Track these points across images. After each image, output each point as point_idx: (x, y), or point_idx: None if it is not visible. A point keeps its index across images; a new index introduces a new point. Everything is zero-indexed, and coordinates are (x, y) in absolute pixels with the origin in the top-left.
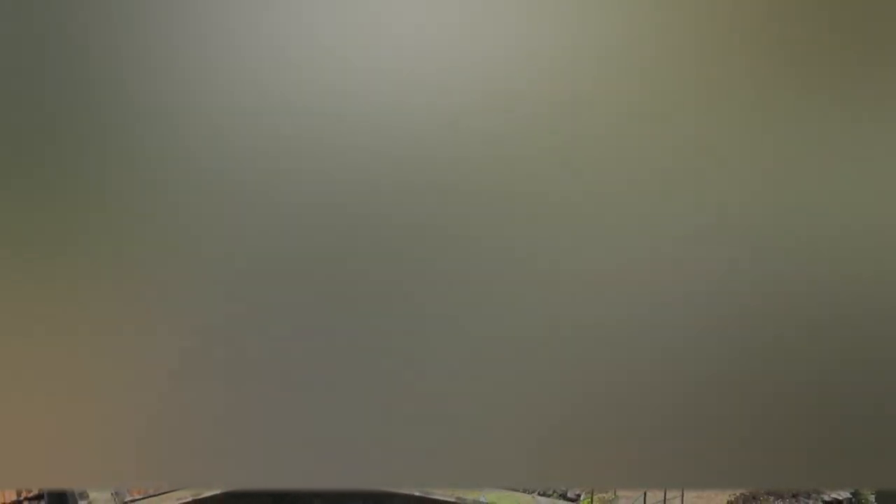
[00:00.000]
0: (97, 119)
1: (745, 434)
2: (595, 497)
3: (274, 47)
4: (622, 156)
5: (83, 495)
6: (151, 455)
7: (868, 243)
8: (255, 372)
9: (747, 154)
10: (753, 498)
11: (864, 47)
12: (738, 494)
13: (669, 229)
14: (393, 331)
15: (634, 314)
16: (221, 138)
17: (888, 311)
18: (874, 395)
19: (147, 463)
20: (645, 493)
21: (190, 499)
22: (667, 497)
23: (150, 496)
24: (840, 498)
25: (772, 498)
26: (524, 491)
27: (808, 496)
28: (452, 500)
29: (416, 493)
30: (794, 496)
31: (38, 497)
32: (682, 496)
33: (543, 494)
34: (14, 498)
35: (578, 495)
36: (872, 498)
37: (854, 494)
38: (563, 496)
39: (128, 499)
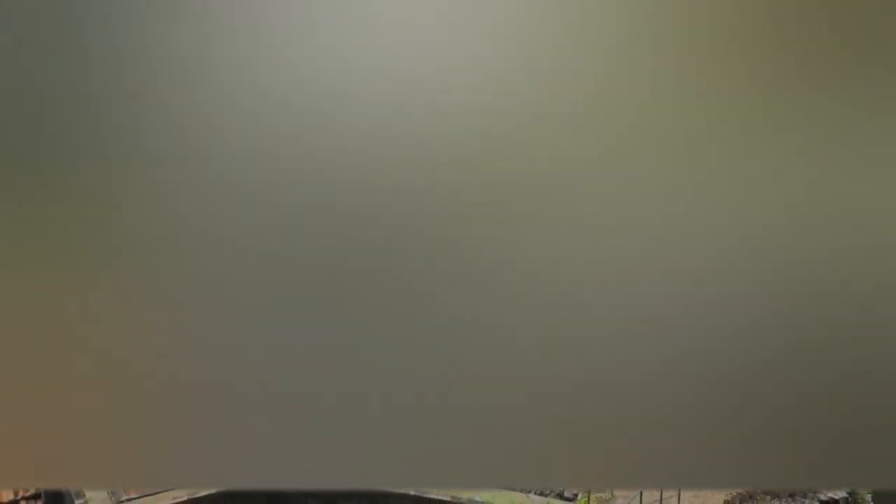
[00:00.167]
0: (97, 118)
1: (741, 434)
2: (592, 496)
3: (274, 47)
4: (622, 156)
5: (79, 494)
6: (148, 455)
7: (867, 244)
8: (252, 372)
9: (748, 154)
10: (750, 497)
11: (865, 47)
12: (734, 494)
13: (669, 229)
14: (391, 330)
15: (631, 315)
16: (221, 138)
17: (886, 311)
18: (871, 395)
19: (143, 463)
20: (641, 493)
21: (185, 498)
22: (663, 496)
23: (146, 495)
24: (836, 497)
25: (768, 497)
26: (522, 491)
27: (805, 496)
28: (447, 498)
29: (412, 492)
30: (790, 496)
31: (36, 496)
32: (679, 495)
33: (541, 494)
34: (11, 497)
35: (575, 495)
36: (869, 498)
37: (850, 494)
38: (560, 496)
39: (124, 498)
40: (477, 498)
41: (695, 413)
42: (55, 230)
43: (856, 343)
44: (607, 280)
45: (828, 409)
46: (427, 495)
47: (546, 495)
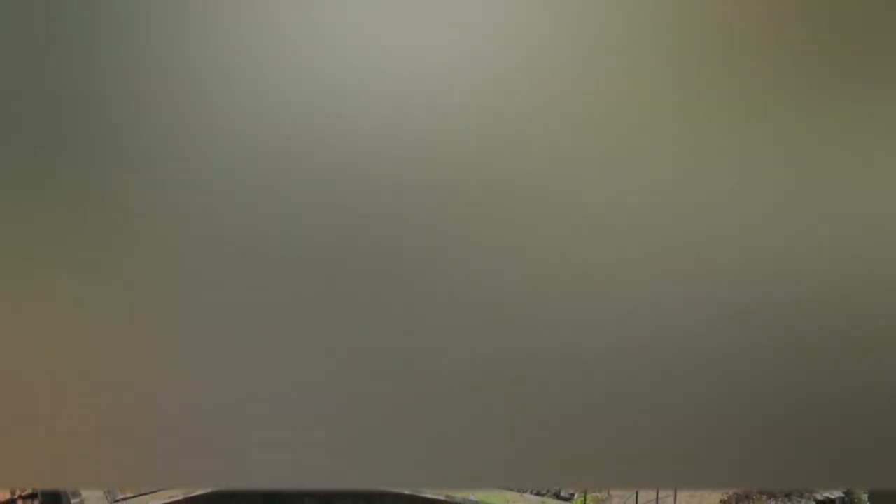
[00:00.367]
0: (97, 117)
1: (737, 434)
2: (588, 496)
3: (274, 47)
4: (622, 156)
5: (75, 493)
6: (144, 455)
7: (864, 244)
8: (249, 372)
9: (747, 154)
10: (746, 497)
11: (865, 47)
12: (731, 493)
13: (668, 230)
14: (389, 331)
15: (629, 315)
16: (222, 138)
17: (883, 311)
18: (868, 395)
19: (140, 463)
20: (637, 492)
21: (181, 497)
22: (659, 495)
23: (141, 494)
24: (833, 497)
25: (764, 497)
26: (518, 490)
27: (801, 495)
28: (442, 498)
29: (407, 492)
30: (786, 495)
31: (33, 496)
32: (675, 495)
33: (538, 494)
34: (8, 497)
35: (572, 494)
36: (865, 497)
37: (847, 494)
38: (557, 495)
39: (119, 497)
40: (472, 497)
41: (691, 413)
42: (52, 228)
43: (853, 343)
44: (604, 280)
45: (824, 409)
46: (422, 494)
47: (543, 495)
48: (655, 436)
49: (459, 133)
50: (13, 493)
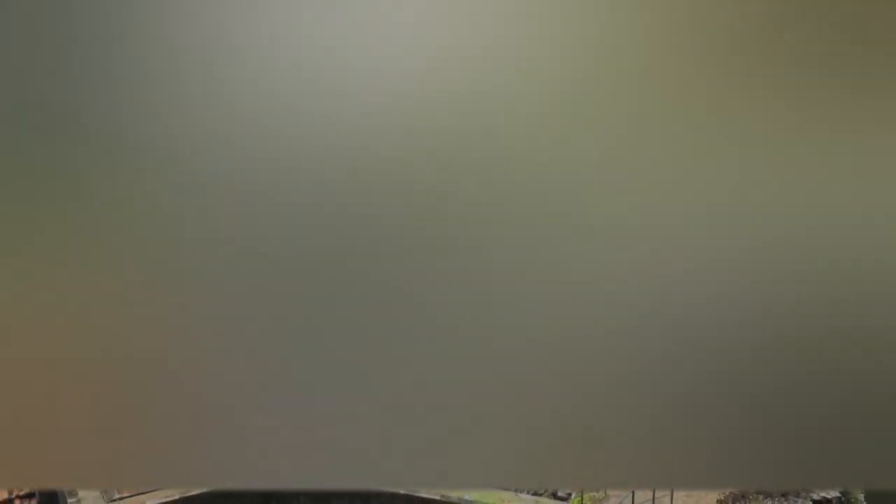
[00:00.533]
0: (97, 120)
1: (734, 434)
2: (585, 496)
3: (272, 49)
4: (623, 156)
5: (72, 493)
6: (141, 455)
7: (862, 245)
8: (247, 373)
9: (747, 155)
10: (743, 497)
11: (865, 47)
12: (727, 493)
13: (667, 230)
14: (387, 331)
15: (628, 316)
16: (222, 139)
17: (880, 312)
18: (864, 395)
19: (137, 463)
20: (633, 492)
21: (177, 496)
22: (656, 495)
23: (138, 494)
24: (829, 497)
25: (761, 496)
26: (514, 490)
27: (798, 495)
28: (437, 497)
29: (402, 491)
30: (783, 495)
31: (30, 495)
32: (672, 494)
33: (535, 494)
34: (6, 496)
35: (569, 494)
36: (862, 497)
37: (843, 494)
38: (554, 495)
39: (115, 496)
40: (466, 496)
41: (688, 414)
42: (56, 230)
43: (850, 344)
44: (601, 281)
45: (821, 409)
46: (417, 493)
47: (540, 495)
48: (652, 436)
49: (459, 133)
50: (10, 492)
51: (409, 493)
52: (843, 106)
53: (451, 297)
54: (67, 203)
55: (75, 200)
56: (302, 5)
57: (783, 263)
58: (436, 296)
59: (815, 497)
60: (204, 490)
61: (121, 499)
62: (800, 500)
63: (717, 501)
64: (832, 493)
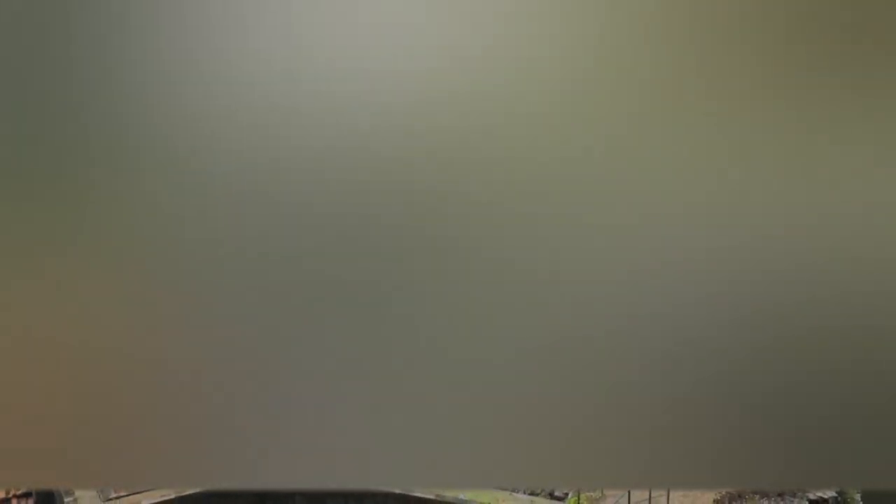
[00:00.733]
0: (97, 122)
1: (731, 434)
2: (582, 495)
3: (272, 50)
4: (623, 156)
5: (69, 492)
6: (138, 455)
7: (860, 246)
8: (245, 373)
9: (748, 155)
10: (739, 496)
11: (865, 47)
12: (723, 493)
13: (666, 230)
14: (385, 331)
15: (625, 317)
16: (222, 140)
17: (877, 312)
18: (861, 395)
19: (134, 463)
20: (629, 491)
21: (173, 495)
22: (652, 494)
23: (134, 493)
24: (825, 497)
25: (757, 496)
26: (510, 490)
27: (794, 495)
28: (432, 496)
29: (397, 490)
30: (779, 494)
31: (27, 494)
32: (668, 494)
33: (533, 493)
34: (3, 496)
35: (566, 493)
36: (858, 497)
37: (839, 493)
38: (551, 495)
39: (112, 495)
40: (461, 496)
41: (684, 414)
42: (58, 230)
43: (847, 345)
44: (598, 281)
45: (817, 409)
46: (412, 493)
47: (536, 494)
48: (649, 436)
49: (459, 133)
50: (8, 492)
51: (404, 492)
52: (846, 106)
53: (448, 297)
54: (66, 203)
55: (75, 200)
56: (302, 7)
57: (780, 264)
58: (433, 296)
59: (812, 497)
60: (200, 490)
61: (117, 498)
62: (796, 500)
63: (714, 501)
64: (828, 493)
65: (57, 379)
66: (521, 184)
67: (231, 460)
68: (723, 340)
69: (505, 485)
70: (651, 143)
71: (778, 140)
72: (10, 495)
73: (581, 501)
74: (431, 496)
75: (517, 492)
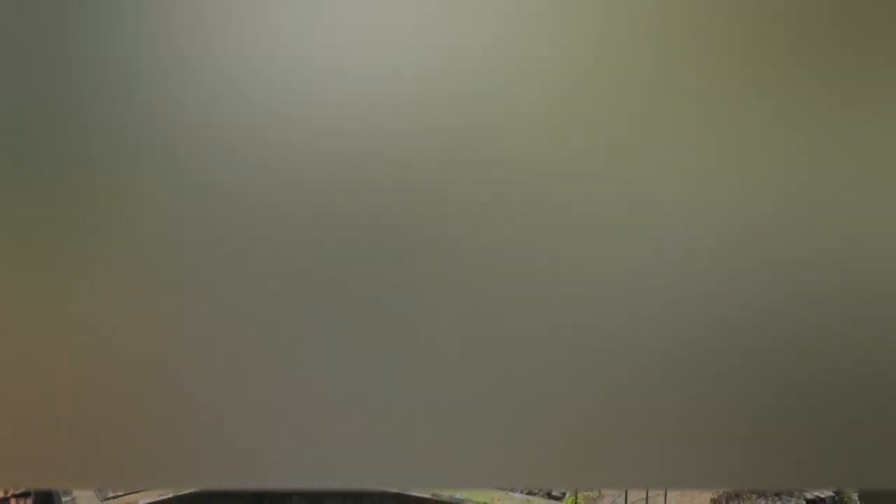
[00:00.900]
0: (97, 123)
1: (728, 434)
2: (579, 495)
3: (271, 50)
4: (623, 157)
5: (67, 491)
6: (135, 455)
7: (859, 247)
8: (242, 373)
9: (750, 155)
10: (736, 496)
11: (865, 47)
12: (721, 492)
13: (665, 230)
14: (383, 331)
15: (624, 317)
16: (222, 141)
17: (875, 312)
18: (858, 395)
19: (131, 463)
20: (626, 491)
21: (170, 494)
22: (649, 494)
23: (132, 492)
24: (823, 496)
25: (754, 496)
26: (507, 489)
27: (791, 494)
28: (428, 495)
29: (393, 490)
30: (776, 494)
31: (26, 494)
32: (665, 493)
33: (530, 493)
34: (1, 495)
35: (563, 493)
36: (855, 497)
37: (837, 493)
38: (549, 494)
39: (110, 495)
40: (457, 495)
41: (681, 413)
42: (59, 231)
43: (845, 344)
44: (598, 281)
45: (814, 409)
46: (408, 492)
47: (534, 494)
48: (646, 436)
49: (459, 133)
50: (6, 492)
51: (401, 491)
52: (849, 106)
53: (446, 297)
54: (65, 203)
55: (74, 200)
56: (302, 6)
57: (777, 264)
58: (431, 296)
59: (809, 496)
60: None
61: (115, 497)
62: (793, 500)
63: (711, 500)
64: (826, 493)
65: (55, 379)
66: (522, 184)
67: (230, 460)
68: (721, 340)
69: (504, 485)
70: (651, 142)
71: (782, 140)
72: (9, 495)
73: (578, 501)
74: (428, 495)
75: (514, 491)
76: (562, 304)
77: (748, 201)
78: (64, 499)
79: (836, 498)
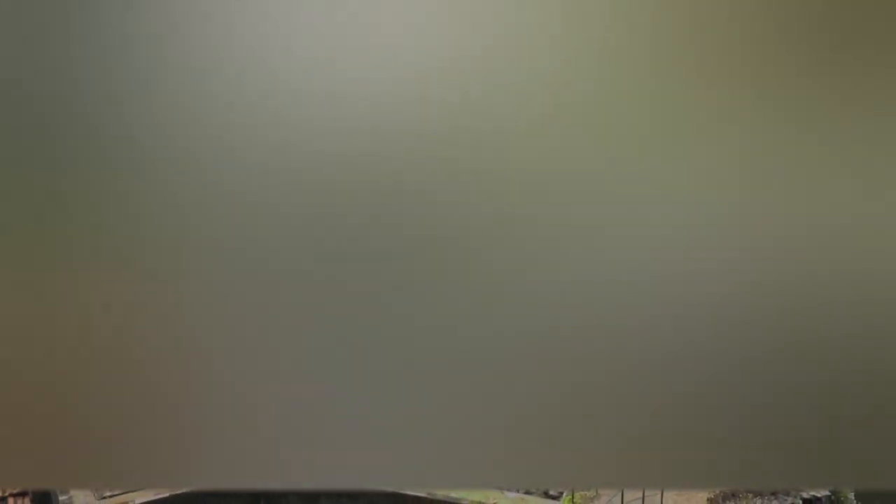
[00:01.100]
0: (96, 120)
1: (725, 434)
2: (576, 494)
3: (270, 49)
4: (623, 158)
5: (64, 490)
6: (134, 455)
7: (858, 247)
8: (239, 373)
9: (753, 157)
10: (733, 495)
11: (865, 46)
12: (717, 491)
13: (665, 230)
14: (381, 331)
15: (623, 317)
16: (222, 140)
17: (873, 312)
18: (855, 394)
19: (129, 463)
20: (622, 490)
21: (166, 493)
22: (645, 493)
23: (128, 491)
24: (819, 496)
25: (751, 495)
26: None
27: (787, 494)
28: (423, 494)
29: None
30: (773, 493)
31: (23, 493)
32: (662, 492)
33: (527, 493)
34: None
35: (560, 492)
36: (852, 496)
37: (833, 493)
38: (546, 493)
39: (107, 494)
40: (452, 494)
41: (678, 413)
42: (59, 232)
43: (843, 343)
44: (596, 281)
45: (811, 408)
46: (403, 491)
47: (531, 493)
48: (643, 436)
49: (458, 133)
50: (4, 491)
51: (397, 490)
52: (854, 107)
53: (446, 297)
54: (62, 201)
55: (71, 199)
56: (302, 6)
57: (780, 265)
58: (431, 296)
59: (805, 496)
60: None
61: (112, 496)
62: (789, 499)
63: (708, 500)
64: (822, 493)
65: (53, 378)
66: (522, 184)
67: (228, 460)
68: (718, 340)
69: (501, 485)
70: (652, 142)
71: (786, 143)
72: (7, 494)
73: (575, 500)
74: (423, 494)
75: (510, 490)
76: (559, 303)
77: (749, 201)
78: (61, 497)
79: (833, 497)
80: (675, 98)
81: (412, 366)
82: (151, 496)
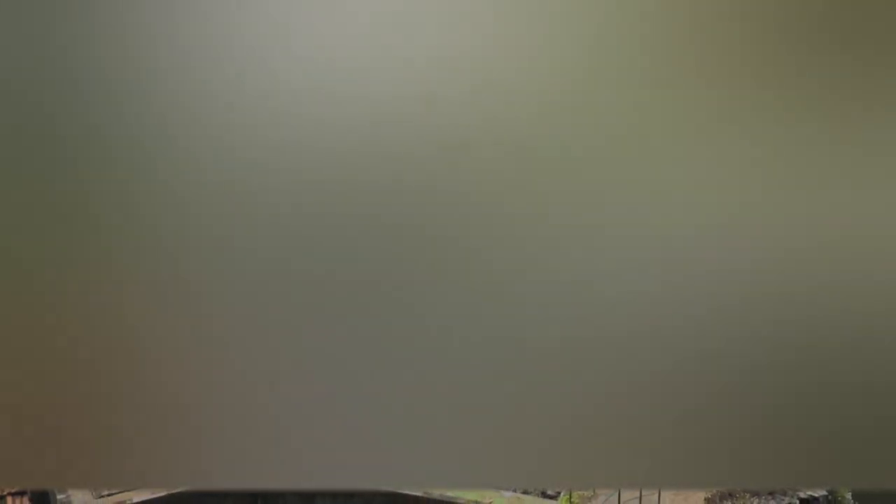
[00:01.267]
0: (95, 119)
1: (723, 434)
2: (574, 493)
3: (269, 49)
4: (623, 158)
5: (61, 489)
6: (133, 455)
7: (858, 248)
8: (238, 372)
9: (757, 159)
10: (730, 495)
11: (865, 46)
12: (714, 491)
13: (665, 231)
14: (379, 331)
15: (623, 317)
16: (221, 140)
17: (873, 312)
18: (853, 395)
19: (128, 463)
20: (619, 490)
21: (164, 492)
22: (643, 493)
23: (126, 490)
24: (816, 496)
25: (748, 495)
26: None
27: (785, 493)
28: (420, 493)
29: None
30: (770, 493)
31: (22, 492)
32: (659, 492)
33: (525, 492)
34: None
35: (558, 492)
36: (849, 496)
37: (830, 493)
38: (543, 493)
39: (104, 492)
40: (448, 493)
41: (677, 413)
42: (46, 231)
43: (840, 343)
44: (599, 283)
45: (808, 408)
46: (399, 490)
47: (529, 493)
48: (642, 436)
49: (458, 133)
50: (2, 490)
51: (394, 490)
52: (854, 107)
53: (446, 297)
54: (61, 201)
55: (70, 199)
56: (302, 5)
57: (780, 264)
58: (431, 296)
59: (802, 495)
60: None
61: (109, 494)
62: (787, 499)
63: (705, 500)
64: (819, 493)
65: (52, 378)
66: (523, 183)
67: (226, 460)
68: (715, 341)
69: (498, 485)
70: (654, 144)
71: (790, 145)
72: (5, 493)
73: (573, 499)
74: (420, 493)
75: (507, 490)
76: (559, 303)
77: (749, 202)
78: (59, 496)
79: (830, 497)
80: (675, 98)
81: (410, 366)
82: (148, 495)
